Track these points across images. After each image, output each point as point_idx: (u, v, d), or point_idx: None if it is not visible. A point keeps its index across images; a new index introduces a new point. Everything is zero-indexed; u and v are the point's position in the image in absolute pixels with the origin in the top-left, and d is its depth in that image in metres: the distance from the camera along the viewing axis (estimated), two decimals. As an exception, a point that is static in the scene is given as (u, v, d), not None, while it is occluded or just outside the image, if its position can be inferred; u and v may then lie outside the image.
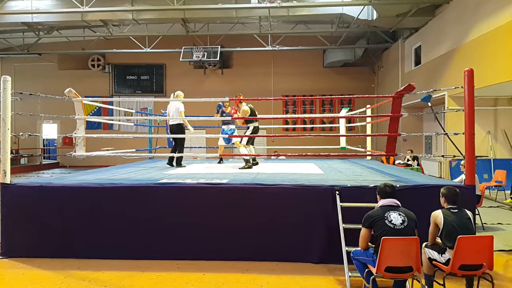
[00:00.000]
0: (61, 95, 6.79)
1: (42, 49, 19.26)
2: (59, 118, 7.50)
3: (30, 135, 6.27)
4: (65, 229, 5.45)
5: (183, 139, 8.21)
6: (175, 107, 7.95)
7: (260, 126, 8.27)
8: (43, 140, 22.96)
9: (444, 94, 11.88)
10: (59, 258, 5.33)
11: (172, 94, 8.11)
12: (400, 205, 4.01)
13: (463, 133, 5.17)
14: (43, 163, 21.26)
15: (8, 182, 5.51)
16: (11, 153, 5.76)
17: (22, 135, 6.06)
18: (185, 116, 7.99)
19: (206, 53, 17.09)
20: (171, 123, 8.05)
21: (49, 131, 22.16)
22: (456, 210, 3.96)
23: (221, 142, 8.70)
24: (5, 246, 5.48)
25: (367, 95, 7.25)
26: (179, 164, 8.34)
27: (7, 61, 21.49)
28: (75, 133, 6.79)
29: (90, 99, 9.26)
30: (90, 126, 18.41)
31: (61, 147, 21.72)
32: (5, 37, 18.31)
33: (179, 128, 7.99)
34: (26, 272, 4.95)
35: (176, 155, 7.78)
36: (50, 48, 19.47)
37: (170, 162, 8.53)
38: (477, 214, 6.23)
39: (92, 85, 20.53)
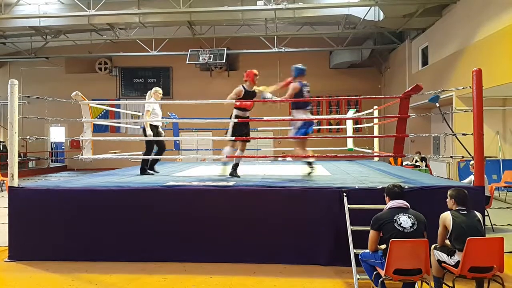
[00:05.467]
0: (68, 99, 6.82)
1: (50, 53, 19.42)
2: (67, 121, 7.52)
3: (37, 138, 6.29)
4: (73, 232, 5.46)
5: (149, 142, 7.20)
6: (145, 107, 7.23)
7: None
8: (51, 143, 23.10)
9: (452, 95, 11.79)
10: (67, 261, 5.34)
11: (148, 92, 7.40)
12: (409, 207, 3.97)
13: (471, 134, 5.11)
14: (51, 166, 21.41)
15: (16, 185, 5.53)
16: (19, 156, 5.79)
17: (29, 138, 6.09)
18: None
19: (212, 56, 17.12)
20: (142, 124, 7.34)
21: (57, 134, 22.30)
22: (465, 212, 3.91)
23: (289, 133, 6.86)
24: (13, 249, 5.49)
25: (374, 96, 7.19)
26: (142, 170, 7.20)
27: (15, 65, 21.69)
28: (82, 136, 6.82)
29: (97, 102, 9.28)
30: (98, 129, 18.53)
31: (69, 150, 21.83)
32: (13, 41, 18.49)
33: (143, 130, 7.09)
34: (33, 275, 4.96)
35: (145, 157, 7.20)
36: (57, 51, 19.64)
37: (149, 168, 7.35)
38: (486, 216, 6.16)
39: (99, 88, 20.63)
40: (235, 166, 6.54)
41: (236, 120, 6.32)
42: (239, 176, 6.37)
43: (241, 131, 6.37)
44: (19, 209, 5.53)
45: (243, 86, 6.43)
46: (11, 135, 5.49)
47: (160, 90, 7.44)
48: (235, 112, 6.44)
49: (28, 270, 5.12)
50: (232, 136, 6.34)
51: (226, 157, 7.15)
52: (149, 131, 6.94)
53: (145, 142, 7.23)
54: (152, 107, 7.14)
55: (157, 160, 7.72)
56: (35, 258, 5.42)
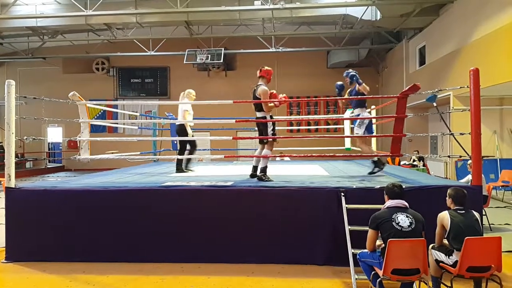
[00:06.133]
0: (65, 99, 6.80)
1: (47, 53, 19.36)
2: (64, 121, 7.48)
3: (34, 138, 6.27)
4: (70, 232, 5.44)
5: (185, 141, 7.51)
6: (180, 107, 7.48)
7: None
8: (48, 143, 23.03)
9: (449, 94, 11.80)
10: (64, 262, 5.32)
11: (182, 93, 7.62)
12: (408, 207, 3.97)
13: (469, 133, 5.12)
14: (48, 166, 21.33)
15: (13, 186, 5.50)
16: (16, 157, 5.77)
17: (26, 138, 6.08)
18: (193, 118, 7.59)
19: (209, 55, 17.10)
20: (177, 123, 7.56)
21: (54, 134, 22.23)
22: (463, 211, 3.91)
23: (357, 131, 6.72)
24: (10, 250, 5.47)
25: (371, 96, 7.20)
26: (179, 168, 7.43)
27: (12, 66, 21.60)
28: (79, 137, 6.80)
29: (94, 102, 9.26)
30: (95, 129, 18.48)
31: (66, 151, 21.78)
32: (10, 42, 18.43)
33: (181, 130, 7.41)
34: (30, 276, 4.94)
35: (179, 157, 7.45)
36: (54, 52, 19.57)
37: (178, 168, 7.49)
38: (484, 215, 6.16)
39: (96, 88, 20.57)
40: (265, 169, 6.09)
41: (271, 128, 6.06)
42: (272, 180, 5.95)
43: (275, 131, 6.19)
44: (16, 210, 5.50)
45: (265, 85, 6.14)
46: (8, 135, 5.46)
47: (193, 92, 7.61)
48: (267, 115, 6.12)
49: (25, 271, 5.09)
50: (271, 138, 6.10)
51: (225, 156, 7.18)
52: (190, 131, 7.32)
53: (179, 142, 7.58)
54: (189, 107, 7.40)
55: (190, 159, 7.91)
56: (32, 259, 5.39)
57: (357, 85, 6.54)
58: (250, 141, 15.53)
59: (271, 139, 6.11)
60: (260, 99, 6.03)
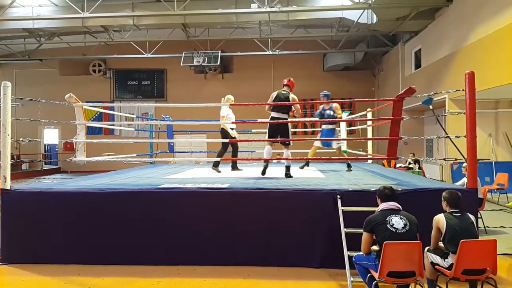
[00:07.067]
0: (62, 101, 6.78)
1: (43, 55, 19.33)
2: (60, 123, 7.45)
3: (30, 140, 6.28)
4: (66, 235, 5.43)
5: (226, 144, 7.93)
6: (221, 112, 7.97)
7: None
8: (44, 145, 22.97)
9: (445, 97, 11.86)
10: (59, 264, 5.30)
11: (222, 98, 8.06)
12: (401, 208, 3.98)
13: (464, 136, 5.14)
14: (44, 168, 21.27)
15: (8, 188, 5.49)
16: (12, 158, 5.75)
17: (22, 140, 6.07)
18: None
19: (206, 58, 17.15)
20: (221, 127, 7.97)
21: (50, 136, 22.19)
22: (459, 214, 3.92)
23: (317, 143, 8.32)
24: (5, 252, 5.46)
25: (367, 99, 7.25)
26: (215, 166, 7.96)
27: (9, 67, 21.57)
28: (76, 139, 6.78)
29: (91, 104, 9.24)
30: (91, 131, 18.43)
31: (62, 153, 21.71)
32: (6, 43, 18.40)
33: (222, 133, 7.93)
34: (26, 278, 4.92)
35: (222, 158, 7.89)
36: (51, 54, 19.55)
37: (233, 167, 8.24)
38: (479, 218, 6.19)
39: (93, 90, 20.57)
40: (289, 168, 7.05)
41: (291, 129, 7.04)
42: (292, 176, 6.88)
43: None
44: (11, 212, 5.49)
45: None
46: (4, 137, 5.45)
47: (232, 98, 8.05)
48: (288, 118, 7.07)
49: (20, 273, 5.08)
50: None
51: (220, 158, 7.19)
52: (233, 133, 7.85)
53: (222, 143, 7.95)
54: (226, 113, 7.82)
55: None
56: (27, 261, 5.38)
57: (333, 104, 7.95)
58: (247, 143, 15.54)
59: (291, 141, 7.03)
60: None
